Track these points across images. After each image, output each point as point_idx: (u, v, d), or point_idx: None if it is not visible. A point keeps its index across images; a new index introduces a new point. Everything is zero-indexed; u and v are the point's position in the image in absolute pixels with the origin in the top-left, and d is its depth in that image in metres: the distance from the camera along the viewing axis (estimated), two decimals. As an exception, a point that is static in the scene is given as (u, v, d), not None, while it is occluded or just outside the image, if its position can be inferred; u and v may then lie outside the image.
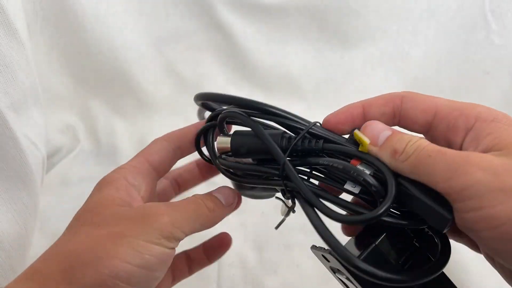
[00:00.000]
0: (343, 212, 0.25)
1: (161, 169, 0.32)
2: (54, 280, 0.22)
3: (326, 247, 0.26)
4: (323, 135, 0.27)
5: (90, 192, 0.28)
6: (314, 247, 0.30)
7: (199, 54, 0.78)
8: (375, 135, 0.25)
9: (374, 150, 0.25)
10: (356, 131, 0.26)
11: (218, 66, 0.79)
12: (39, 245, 0.47)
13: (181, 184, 0.37)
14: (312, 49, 0.79)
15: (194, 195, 0.29)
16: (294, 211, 0.31)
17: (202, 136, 0.33)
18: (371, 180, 0.23)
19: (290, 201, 0.29)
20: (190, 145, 0.33)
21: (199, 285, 0.49)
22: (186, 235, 0.26)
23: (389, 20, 0.78)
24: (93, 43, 0.72)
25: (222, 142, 0.30)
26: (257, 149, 0.28)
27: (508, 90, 0.78)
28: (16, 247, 0.37)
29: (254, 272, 0.51)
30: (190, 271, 0.34)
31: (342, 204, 0.25)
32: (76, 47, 0.73)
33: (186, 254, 0.34)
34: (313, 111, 0.75)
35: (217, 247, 0.33)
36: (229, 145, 0.29)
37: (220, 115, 0.30)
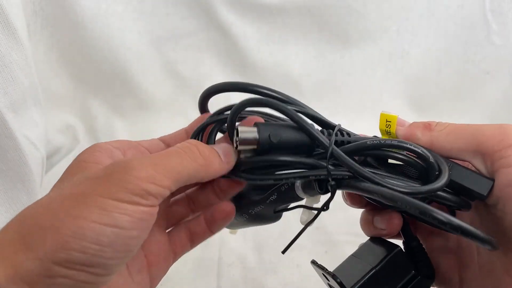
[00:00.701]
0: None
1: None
2: (13, 247, 0.20)
3: (327, 266, 0.27)
4: (350, 133, 0.28)
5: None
6: (314, 263, 0.29)
7: (199, 54, 0.78)
8: (400, 120, 0.28)
9: (402, 129, 0.27)
10: (382, 111, 0.27)
11: (218, 66, 0.79)
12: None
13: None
14: (312, 49, 0.79)
15: (184, 142, 0.25)
16: (327, 209, 0.27)
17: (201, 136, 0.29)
18: (424, 151, 0.25)
19: (314, 208, 0.28)
20: None
21: (199, 285, 0.49)
22: (171, 190, 0.23)
23: (389, 19, 0.78)
24: (93, 43, 0.72)
25: (246, 131, 0.25)
26: (292, 138, 0.25)
27: (508, 90, 0.78)
28: (15, 248, 0.37)
29: (254, 272, 0.51)
30: (193, 244, 0.31)
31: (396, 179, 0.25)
32: (76, 47, 0.72)
33: (186, 227, 0.31)
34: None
35: (219, 219, 0.29)
36: (256, 135, 0.25)
37: (240, 102, 0.25)
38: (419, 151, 0.25)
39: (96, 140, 0.74)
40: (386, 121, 0.27)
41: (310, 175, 0.25)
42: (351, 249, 0.30)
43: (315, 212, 0.28)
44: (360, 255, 0.29)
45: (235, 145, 0.26)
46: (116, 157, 0.26)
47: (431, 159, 0.25)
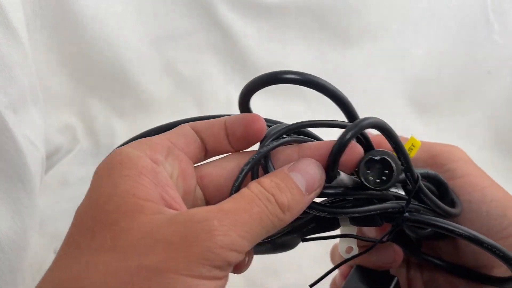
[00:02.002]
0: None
1: (190, 155, 0.23)
2: None
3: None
4: None
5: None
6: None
7: (199, 53, 0.78)
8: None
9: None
10: (412, 136, 0.28)
11: (218, 66, 0.79)
12: (38, 246, 0.47)
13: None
14: (313, 49, 0.79)
15: (256, 184, 0.20)
16: (386, 241, 0.26)
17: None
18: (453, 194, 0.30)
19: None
20: (217, 145, 0.24)
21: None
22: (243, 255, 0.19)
23: (390, 19, 0.78)
24: (93, 42, 0.72)
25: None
26: None
27: (510, 89, 0.78)
28: (15, 248, 0.37)
29: (254, 273, 0.51)
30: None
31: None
32: (76, 47, 0.72)
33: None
34: (313, 111, 0.75)
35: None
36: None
37: (366, 121, 0.23)
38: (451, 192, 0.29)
39: (96, 139, 0.73)
40: (411, 145, 0.27)
41: (389, 208, 0.24)
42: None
43: (354, 239, 0.26)
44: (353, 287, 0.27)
45: (362, 176, 0.23)
46: (166, 190, 0.20)
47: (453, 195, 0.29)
